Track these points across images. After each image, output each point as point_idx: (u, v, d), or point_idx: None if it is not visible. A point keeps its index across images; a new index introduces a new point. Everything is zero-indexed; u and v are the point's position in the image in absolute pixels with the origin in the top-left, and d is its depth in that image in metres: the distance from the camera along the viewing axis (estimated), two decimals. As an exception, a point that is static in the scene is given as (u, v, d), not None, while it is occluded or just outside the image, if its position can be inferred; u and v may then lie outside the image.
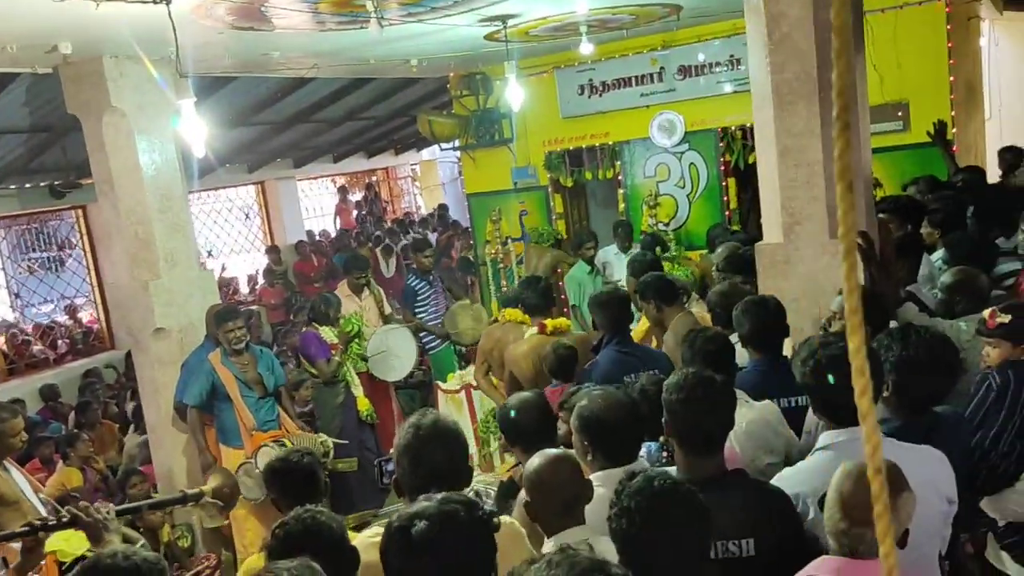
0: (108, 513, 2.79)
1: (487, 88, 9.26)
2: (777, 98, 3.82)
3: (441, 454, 2.27)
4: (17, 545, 3.07)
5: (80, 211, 10.21)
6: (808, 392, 2.65)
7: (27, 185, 9.17)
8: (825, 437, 2.51)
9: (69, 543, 3.29)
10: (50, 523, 2.87)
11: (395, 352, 6.45)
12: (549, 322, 4.56)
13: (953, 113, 7.49)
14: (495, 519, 1.73)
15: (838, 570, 1.91)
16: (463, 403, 6.84)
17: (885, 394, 2.81)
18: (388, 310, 6.95)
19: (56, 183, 9.22)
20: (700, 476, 2.35)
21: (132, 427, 7.28)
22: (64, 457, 6.45)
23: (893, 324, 3.37)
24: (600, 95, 8.89)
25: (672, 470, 2.60)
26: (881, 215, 5.01)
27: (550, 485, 2.07)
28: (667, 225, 8.62)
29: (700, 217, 8.76)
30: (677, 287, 4.70)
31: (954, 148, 7.38)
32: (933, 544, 2.34)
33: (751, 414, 3.24)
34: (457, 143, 9.72)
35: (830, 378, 2.38)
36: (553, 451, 2.39)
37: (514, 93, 6.73)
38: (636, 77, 8.68)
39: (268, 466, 2.81)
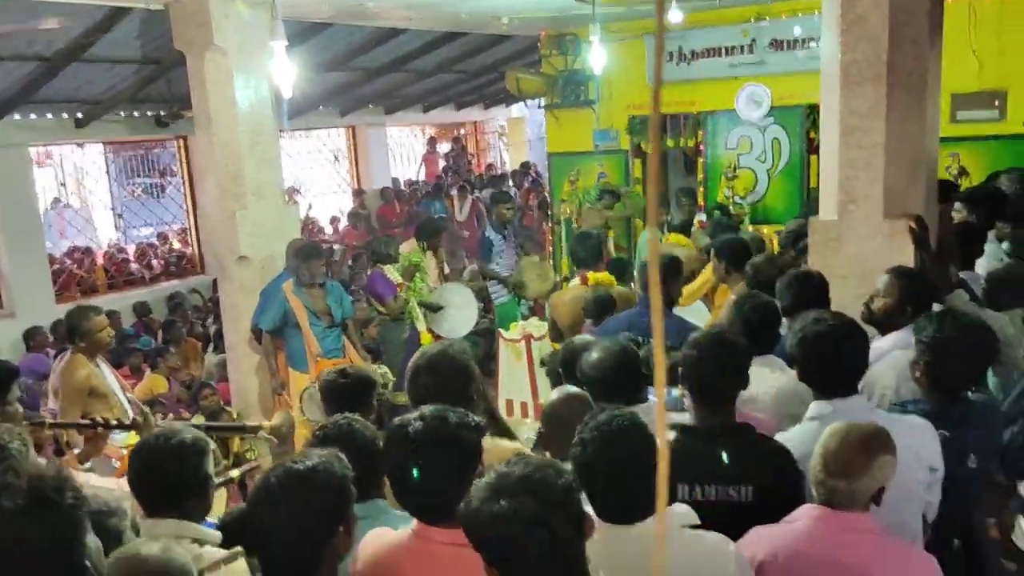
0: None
1: (576, 49, 9.34)
2: (845, 78, 3.85)
3: (430, 380, 2.57)
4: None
5: (182, 141, 10.77)
6: (796, 362, 2.77)
7: (135, 113, 9.74)
8: (813, 408, 2.64)
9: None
10: (112, 423, 3.24)
11: (455, 311, 6.65)
12: (591, 275, 4.77)
13: (1053, 105, 7.24)
14: (482, 428, 1.97)
15: (818, 517, 2.07)
16: (523, 352, 7.09)
17: (917, 375, 2.88)
18: (448, 270, 7.23)
19: (161, 113, 9.77)
20: (709, 425, 2.52)
21: (212, 346, 7.80)
22: (153, 366, 7.05)
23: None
24: (688, 63, 8.87)
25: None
26: (958, 203, 4.96)
27: (560, 419, 2.27)
28: (743, 199, 8.60)
29: (778, 193, 8.70)
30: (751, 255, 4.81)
31: (1049, 142, 7.15)
32: (913, 507, 2.46)
33: (781, 381, 3.35)
34: (542, 101, 9.84)
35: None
36: (571, 388, 2.59)
37: (596, 55, 6.81)
38: (726, 48, 8.62)
39: (323, 380, 3.09)
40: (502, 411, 6.81)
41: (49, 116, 8.92)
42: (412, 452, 1.87)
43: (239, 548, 1.68)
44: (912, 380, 3.00)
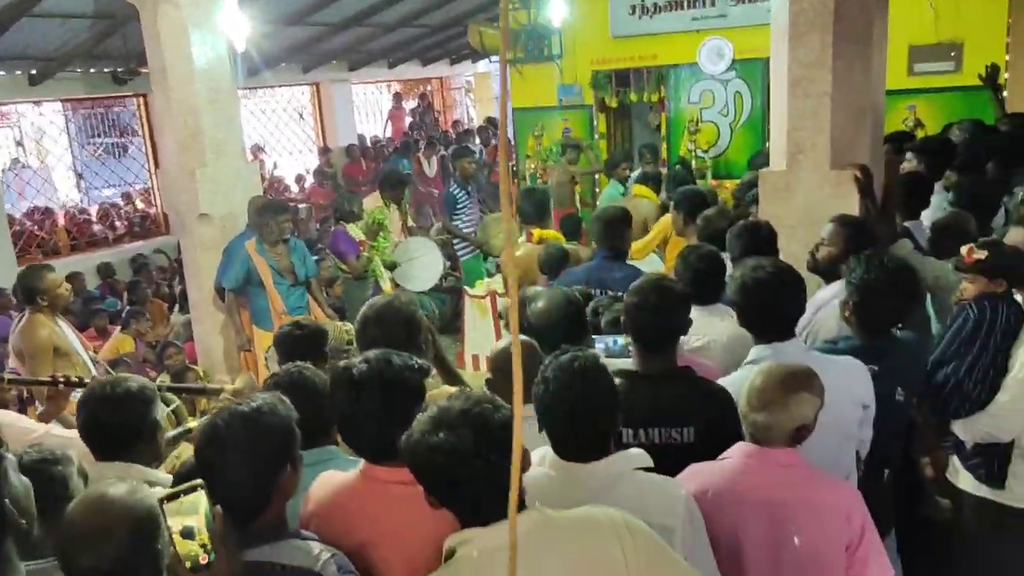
0: None
1: (538, 3, 9.28)
2: (793, 28, 3.90)
3: (377, 332, 2.66)
4: None
5: (141, 99, 10.59)
6: (736, 309, 2.86)
7: (92, 70, 9.56)
8: (753, 352, 2.75)
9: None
10: (72, 380, 3.25)
11: (420, 263, 6.71)
12: (537, 232, 4.84)
13: (1008, 57, 7.35)
14: (426, 369, 2.04)
15: (747, 454, 2.18)
16: (488, 308, 7.16)
17: (846, 314, 3.01)
18: (411, 223, 7.24)
19: (118, 70, 9.59)
20: (651, 370, 2.61)
21: (178, 307, 7.80)
22: (124, 326, 7.04)
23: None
24: (651, 16, 8.86)
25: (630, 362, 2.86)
26: (909, 153, 5.06)
27: (508, 364, 2.33)
28: (706, 152, 8.68)
29: (741, 146, 8.78)
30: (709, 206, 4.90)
31: (1004, 93, 7.25)
32: (848, 445, 2.58)
33: (731, 328, 3.45)
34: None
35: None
36: (520, 336, 2.65)
37: (556, 7, 6.79)
38: (688, 1, 8.62)
39: (278, 332, 3.13)
40: (468, 366, 6.91)
41: (1, 73, 8.73)
42: (357, 393, 1.95)
43: (200, 480, 1.72)
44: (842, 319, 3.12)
